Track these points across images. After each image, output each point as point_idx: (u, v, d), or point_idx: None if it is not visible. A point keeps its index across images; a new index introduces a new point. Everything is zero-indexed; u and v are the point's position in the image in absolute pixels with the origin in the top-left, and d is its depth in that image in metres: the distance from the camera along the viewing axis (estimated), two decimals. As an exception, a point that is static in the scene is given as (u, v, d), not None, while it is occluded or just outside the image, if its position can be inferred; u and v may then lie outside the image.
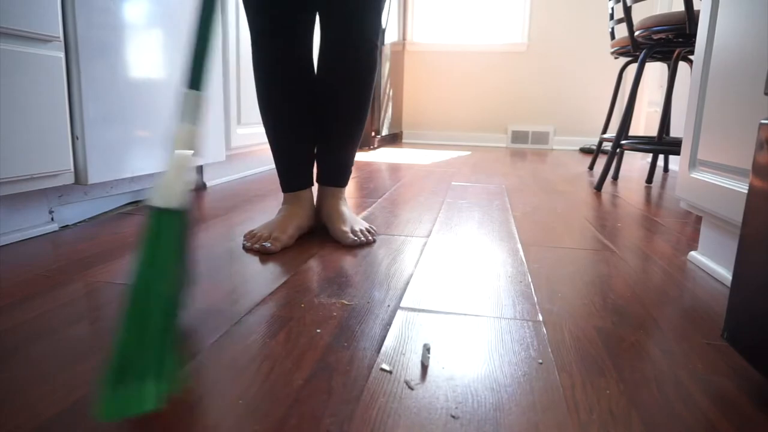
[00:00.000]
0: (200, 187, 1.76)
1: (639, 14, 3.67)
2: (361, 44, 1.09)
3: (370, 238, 1.13)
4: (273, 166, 2.30)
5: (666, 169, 2.71)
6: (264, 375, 0.56)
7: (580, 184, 2.16)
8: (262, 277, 0.88)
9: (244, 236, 1.08)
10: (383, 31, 3.57)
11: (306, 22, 1.09)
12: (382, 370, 0.58)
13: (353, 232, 1.12)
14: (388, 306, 0.77)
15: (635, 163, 3.12)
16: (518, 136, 4.53)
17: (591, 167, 2.77)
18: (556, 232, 1.27)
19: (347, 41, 1.08)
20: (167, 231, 0.50)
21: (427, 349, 0.62)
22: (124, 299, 0.47)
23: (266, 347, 0.63)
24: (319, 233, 1.17)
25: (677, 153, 1.85)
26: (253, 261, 0.97)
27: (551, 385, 0.56)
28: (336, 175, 1.17)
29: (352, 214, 1.20)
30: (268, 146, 1.97)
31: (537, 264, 1.00)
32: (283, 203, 1.16)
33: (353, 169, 2.45)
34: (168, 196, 0.49)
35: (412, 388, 0.55)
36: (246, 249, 1.04)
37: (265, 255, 1.00)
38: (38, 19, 1.01)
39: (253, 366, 0.58)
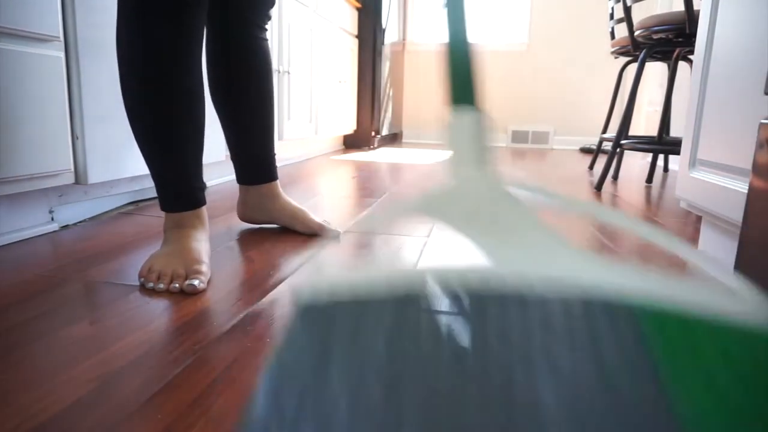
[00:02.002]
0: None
1: (639, 14, 3.66)
2: (264, 30, 1.11)
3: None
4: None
5: (666, 168, 2.71)
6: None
7: (580, 184, 2.16)
8: (262, 277, 0.88)
9: (141, 275, 0.82)
10: (383, 31, 3.57)
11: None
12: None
13: (324, 222, 1.17)
14: (388, 306, 0.77)
15: (635, 163, 3.12)
16: (518, 136, 4.53)
17: (591, 167, 2.77)
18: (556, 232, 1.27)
19: (252, 22, 1.07)
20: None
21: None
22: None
23: (267, 347, 0.63)
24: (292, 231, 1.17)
25: (677, 153, 1.85)
26: (253, 261, 0.97)
27: (551, 385, 0.56)
28: (272, 170, 1.17)
29: None
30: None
31: (537, 264, 1.00)
32: (175, 227, 0.91)
33: (354, 168, 2.45)
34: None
35: (412, 388, 0.54)
36: (154, 291, 0.80)
37: (191, 295, 0.79)
38: (38, 18, 1.01)
39: (253, 365, 0.58)
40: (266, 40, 1.12)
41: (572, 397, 0.22)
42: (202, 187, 0.95)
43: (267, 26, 1.12)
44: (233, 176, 1.98)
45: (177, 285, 0.79)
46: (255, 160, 1.15)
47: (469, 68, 0.38)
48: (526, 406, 0.21)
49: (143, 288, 0.81)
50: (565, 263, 0.26)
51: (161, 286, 0.79)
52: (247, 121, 1.12)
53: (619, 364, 0.23)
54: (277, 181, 1.18)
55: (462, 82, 0.37)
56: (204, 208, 0.95)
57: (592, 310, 0.24)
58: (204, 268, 0.84)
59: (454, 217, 0.30)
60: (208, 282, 0.84)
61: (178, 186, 0.91)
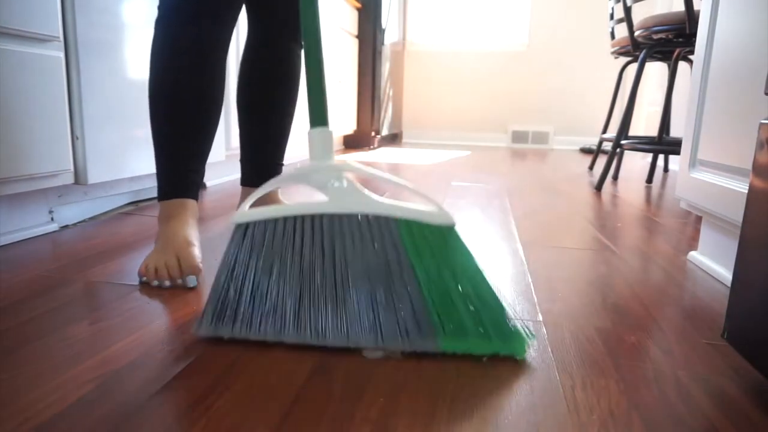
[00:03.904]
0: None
1: (639, 14, 3.66)
2: (301, 46, 1.13)
3: None
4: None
5: (666, 169, 2.71)
6: (264, 375, 0.56)
7: (580, 184, 2.16)
8: (262, 277, 0.88)
9: (140, 273, 0.84)
10: (383, 31, 3.57)
11: (237, 8, 0.95)
12: (382, 368, 0.58)
13: None
14: (388, 306, 0.77)
15: (635, 163, 3.12)
16: (518, 136, 4.53)
17: (591, 167, 2.77)
18: (556, 232, 1.27)
19: (290, 36, 1.09)
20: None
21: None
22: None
23: (266, 347, 0.63)
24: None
25: (677, 153, 1.85)
26: (253, 261, 0.97)
27: (551, 385, 0.56)
28: (278, 175, 1.18)
29: None
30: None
31: (537, 264, 1.00)
32: (164, 218, 0.91)
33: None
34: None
35: (412, 388, 0.55)
36: (154, 290, 0.82)
37: (188, 290, 0.81)
38: (38, 19, 1.01)
39: (253, 366, 0.58)
40: (300, 56, 1.14)
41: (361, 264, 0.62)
42: (198, 182, 0.96)
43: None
44: (233, 176, 1.99)
45: (168, 283, 0.83)
46: (264, 163, 1.16)
47: (323, 95, 0.70)
48: (344, 267, 0.62)
49: (144, 287, 0.81)
50: (359, 200, 0.63)
51: (165, 282, 0.82)
52: (267, 127, 1.14)
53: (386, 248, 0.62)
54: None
55: (318, 109, 0.69)
56: (195, 203, 0.95)
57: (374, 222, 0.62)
58: (195, 251, 0.87)
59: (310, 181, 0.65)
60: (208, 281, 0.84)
61: (174, 175, 0.93)
